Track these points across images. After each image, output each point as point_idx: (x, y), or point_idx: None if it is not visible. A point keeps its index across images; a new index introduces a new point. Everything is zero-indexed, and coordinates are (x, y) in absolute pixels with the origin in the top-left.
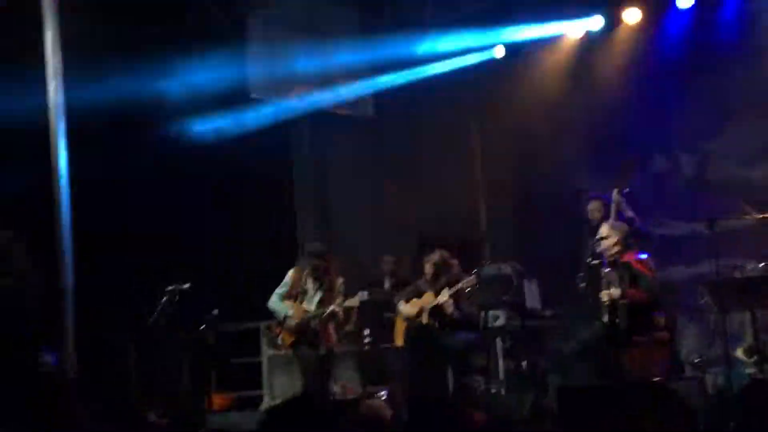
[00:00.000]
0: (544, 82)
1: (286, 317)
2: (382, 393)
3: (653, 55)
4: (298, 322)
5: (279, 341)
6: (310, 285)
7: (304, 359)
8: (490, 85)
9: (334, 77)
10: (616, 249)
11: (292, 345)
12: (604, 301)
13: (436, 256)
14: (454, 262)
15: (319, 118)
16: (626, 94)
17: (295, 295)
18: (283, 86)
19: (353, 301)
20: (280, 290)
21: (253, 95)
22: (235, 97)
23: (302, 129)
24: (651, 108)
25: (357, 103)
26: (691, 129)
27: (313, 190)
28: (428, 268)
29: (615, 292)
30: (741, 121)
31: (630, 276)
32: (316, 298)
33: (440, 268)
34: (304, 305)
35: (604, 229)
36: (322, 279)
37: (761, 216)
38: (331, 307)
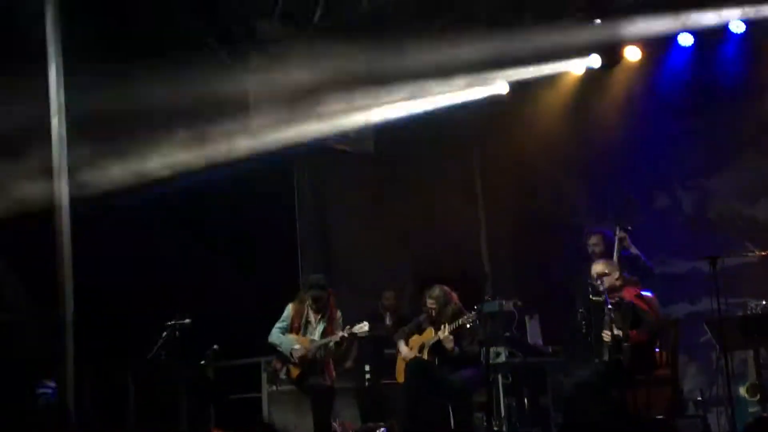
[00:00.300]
0: (545, 119)
1: (293, 350)
2: (382, 429)
3: (654, 92)
4: (306, 353)
5: (282, 375)
6: (312, 317)
7: (313, 392)
8: (492, 122)
9: (335, 112)
10: (618, 283)
11: (299, 378)
12: (606, 341)
13: (436, 291)
14: (455, 297)
15: (320, 154)
16: (627, 131)
17: (297, 328)
18: (283, 120)
19: (361, 328)
20: (280, 324)
21: (254, 130)
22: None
23: (303, 165)
24: (652, 145)
25: (357, 139)
26: (692, 166)
27: (315, 226)
28: (429, 304)
29: (618, 333)
30: (742, 159)
31: (633, 316)
32: (319, 330)
33: (441, 304)
34: (308, 337)
35: (599, 267)
36: (323, 311)
37: (763, 253)
38: (340, 334)
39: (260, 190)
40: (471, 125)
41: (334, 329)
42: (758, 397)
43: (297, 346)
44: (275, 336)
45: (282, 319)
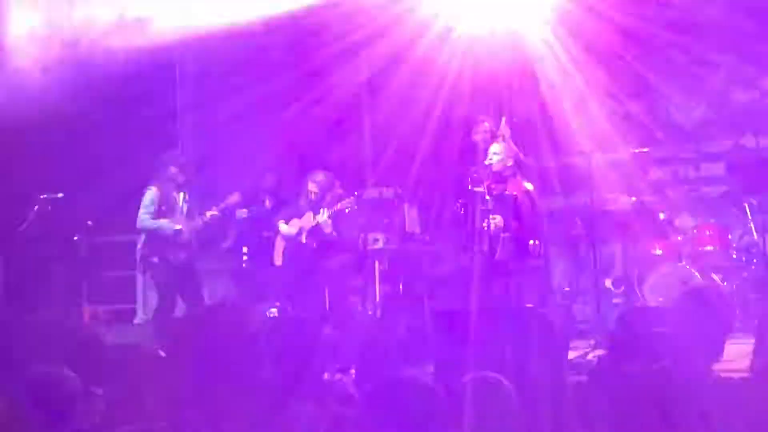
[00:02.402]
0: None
1: (176, 231)
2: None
3: None
4: (189, 234)
5: (155, 259)
6: (175, 198)
7: (188, 271)
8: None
9: None
10: (509, 170)
11: (187, 260)
12: (486, 230)
13: (320, 176)
14: (337, 183)
15: (203, 32)
16: None
17: (165, 211)
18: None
19: (233, 198)
20: (148, 209)
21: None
22: None
23: (186, 44)
24: None
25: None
26: None
27: (194, 103)
28: (311, 187)
29: (499, 223)
30: (621, 58)
31: (513, 208)
32: (184, 210)
33: (323, 189)
34: (177, 218)
35: (497, 147)
36: (184, 189)
37: (636, 151)
38: (212, 212)
39: (139, 66)
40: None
41: (195, 207)
42: (622, 288)
43: (179, 227)
44: (148, 221)
45: (148, 204)
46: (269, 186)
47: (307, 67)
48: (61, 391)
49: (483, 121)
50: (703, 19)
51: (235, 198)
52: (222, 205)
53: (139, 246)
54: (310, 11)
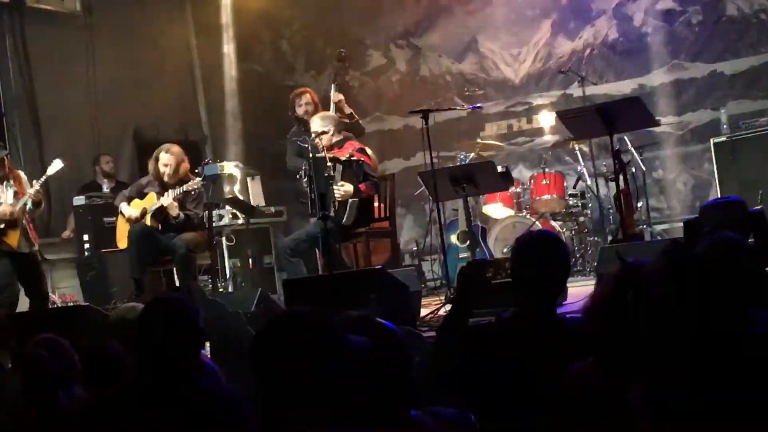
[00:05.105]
0: None
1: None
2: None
3: None
4: (10, 214)
5: None
6: None
7: (22, 258)
8: None
9: None
10: (335, 139)
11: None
12: (336, 197)
13: (175, 147)
14: (186, 162)
15: (23, 13)
16: None
17: None
18: None
19: (54, 167)
20: None
21: None
22: None
23: (3, 25)
24: (365, 4)
25: None
26: (403, 25)
27: (21, 93)
28: (168, 161)
29: (348, 188)
30: (450, 17)
31: (361, 172)
32: (9, 195)
33: (178, 161)
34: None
35: (315, 124)
36: (6, 176)
37: (472, 108)
38: (36, 187)
39: None
40: None
41: (24, 189)
42: (467, 243)
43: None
44: None
45: None
46: (107, 168)
47: (132, 37)
48: None
49: (303, 93)
50: None
51: (57, 165)
52: (44, 177)
53: None
54: None
